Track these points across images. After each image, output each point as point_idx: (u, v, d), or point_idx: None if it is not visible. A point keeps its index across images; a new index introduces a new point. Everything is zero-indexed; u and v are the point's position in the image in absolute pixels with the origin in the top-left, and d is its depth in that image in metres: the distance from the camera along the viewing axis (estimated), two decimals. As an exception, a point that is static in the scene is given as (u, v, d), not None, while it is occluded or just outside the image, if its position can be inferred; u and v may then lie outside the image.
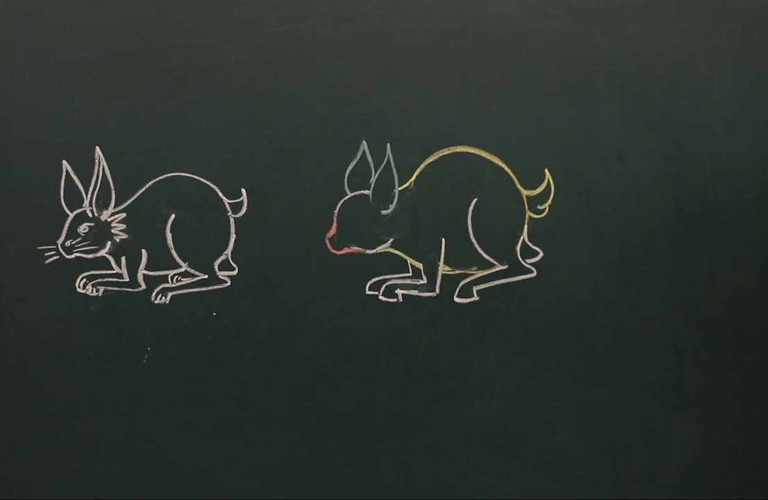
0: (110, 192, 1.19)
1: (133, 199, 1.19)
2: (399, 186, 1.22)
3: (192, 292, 1.20)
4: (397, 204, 1.22)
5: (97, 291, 1.19)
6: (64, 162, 1.18)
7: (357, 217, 1.21)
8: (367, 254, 1.22)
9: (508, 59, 1.24)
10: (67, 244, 1.18)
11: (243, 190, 1.20)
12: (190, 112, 1.20)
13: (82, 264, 1.19)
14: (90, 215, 1.19)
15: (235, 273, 1.20)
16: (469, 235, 1.23)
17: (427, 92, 1.23)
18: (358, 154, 1.21)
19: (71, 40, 1.19)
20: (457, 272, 1.23)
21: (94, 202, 1.19)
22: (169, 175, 1.20)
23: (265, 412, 1.22)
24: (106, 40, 1.20)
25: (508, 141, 1.23)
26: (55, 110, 1.19)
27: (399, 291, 1.22)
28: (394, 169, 1.21)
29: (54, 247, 1.18)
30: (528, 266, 1.24)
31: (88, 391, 1.20)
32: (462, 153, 1.23)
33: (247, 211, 1.20)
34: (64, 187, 1.18)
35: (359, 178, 1.21)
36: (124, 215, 1.19)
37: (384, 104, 1.22)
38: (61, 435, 1.20)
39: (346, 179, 1.21)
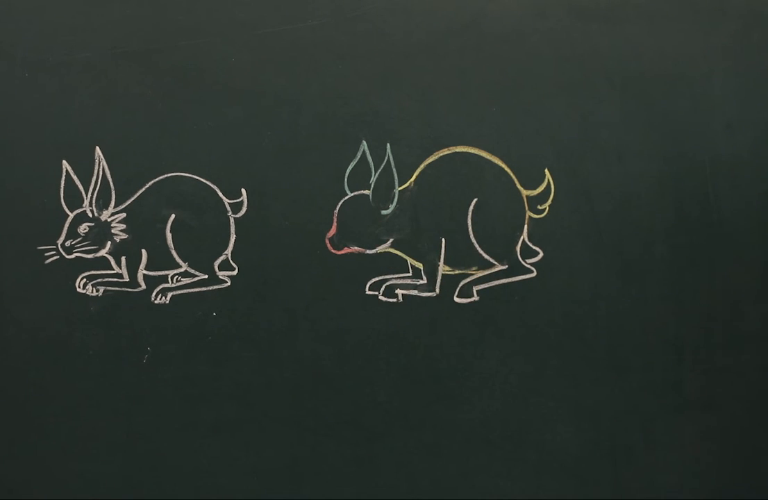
0: (110, 192, 1.19)
1: (133, 199, 1.19)
2: (399, 186, 1.22)
3: (192, 292, 1.20)
4: (397, 204, 1.22)
5: (97, 291, 1.19)
6: (64, 162, 1.18)
7: (357, 217, 1.21)
8: (367, 254, 1.22)
9: (508, 59, 1.24)
10: (67, 244, 1.18)
11: (243, 190, 1.20)
12: (190, 112, 1.20)
13: (82, 264, 1.19)
14: (90, 215, 1.19)
15: (235, 273, 1.20)
16: (469, 235, 1.23)
17: (427, 92, 1.23)
18: (358, 154, 1.21)
19: (71, 40, 1.19)
20: (457, 272, 1.23)
21: (94, 202, 1.19)
22: (169, 175, 1.20)
23: (265, 412, 1.22)
24: (106, 40, 1.19)
25: (508, 141, 1.23)
26: (55, 110, 1.19)
27: (399, 291, 1.22)
28: (394, 169, 1.21)
29: (54, 246, 1.18)
30: (528, 266, 1.24)
31: (88, 391, 1.20)
32: (462, 153, 1.23)
33: (247, 211, 1.20)
34: (64, 187, 1.18)
35: (359, 178, 1.21)
36: (124, 215, 1.19)
37: (384, 104, 1.22)
38: (61, 435, 1.21)
39: (346, 179, 1.21)
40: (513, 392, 1.25)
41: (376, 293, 1.22)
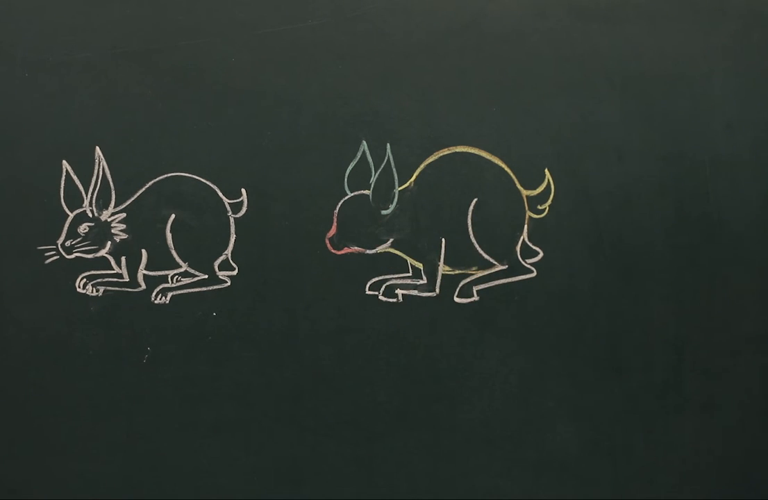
0: (110, 192, 1.19)
1: (133, 199, 1.19)
2: (399, 186, 1.22)
3: (192, 292, 1.20)
4: (397, 204, 1.22)
5: (97, 291, 1.19)
6: (64, 162, 1.18)
7: (357, 217, 1.21)
8: (367, 254, 1.22)
9: (508, 59, 1.24)
10: (67, 244, 1.18)
11: (243, 190, 1.20)
12: (190, 112, 1.20)
13: (82, 265, 1.19)
14: (90, 215, 1.19)
15: (235, 273, 1.20)
16: (469, 235, 1.23)
17: (427, 92, 1.23)
18: (358, 154, 1.21)
19: (71, 40, 1.19)
20: (457, 272, 1.23)
21: (94, 202, 1.19)
22: (169, 175, 1.20)
23: (265, 412, 1.22)
24: (106, 40, 1.19)
25: (508, 141, 1.23)
26: (55, 110, 1.19)
27: (399, 291, 1.22)
28: (394, 169, 1.21)
29: (54, 246, 1.18)
30: (528, 266, 1.24)
31: (88, 391, 1.20)
32: (462, 153, 1.23)
33: (247, 211, 1.20)
34: (64, 187, 1.18)
35: (359, 178, 1.21)
36: (124, 215, 1.19)
37: (384, 104, 1.22)
38: (61, 435, 1.20)
39: (346, 179, 1.21)
40: (513, 392, 1.25)
41: (376, 293, 1.22)
